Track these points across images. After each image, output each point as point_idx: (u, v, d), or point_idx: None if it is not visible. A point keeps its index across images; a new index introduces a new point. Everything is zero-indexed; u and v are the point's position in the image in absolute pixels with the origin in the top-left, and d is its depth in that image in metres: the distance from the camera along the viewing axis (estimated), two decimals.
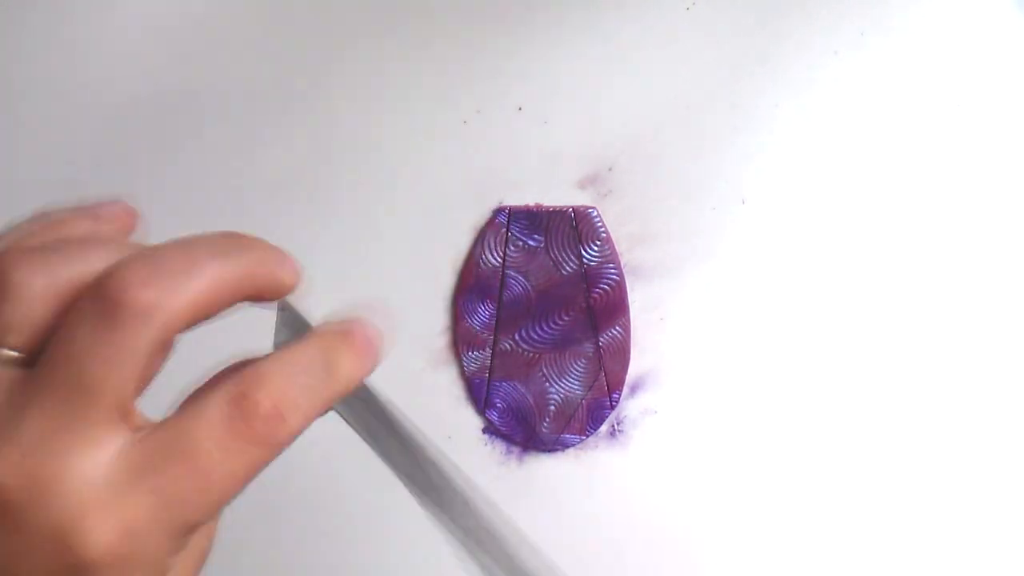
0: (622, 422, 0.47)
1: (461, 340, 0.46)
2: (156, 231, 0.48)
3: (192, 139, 0.46)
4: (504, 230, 0.46)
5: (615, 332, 0.47)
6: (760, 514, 0.47)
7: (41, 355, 0.25)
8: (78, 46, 0.46)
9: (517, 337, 0.47)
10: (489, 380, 0.47)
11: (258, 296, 0.29)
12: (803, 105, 0.47)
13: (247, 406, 0.25)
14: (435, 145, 0.46)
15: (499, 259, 0.47)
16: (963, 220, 0.47)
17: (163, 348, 0.26)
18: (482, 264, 0.47)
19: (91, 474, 0.25)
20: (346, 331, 0.29)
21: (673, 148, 0.47)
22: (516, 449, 0.47)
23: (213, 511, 0.26)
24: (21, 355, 0.26)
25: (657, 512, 0.47)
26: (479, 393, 0.46)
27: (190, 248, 0.27)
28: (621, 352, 0.47)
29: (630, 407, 0.47)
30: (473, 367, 0.47)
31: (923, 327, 0.47)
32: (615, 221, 0.47)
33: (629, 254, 0.47)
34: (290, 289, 0.30)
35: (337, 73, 0.46)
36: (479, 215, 0.47)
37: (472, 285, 0.46)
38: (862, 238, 0.47)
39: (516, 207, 0.47)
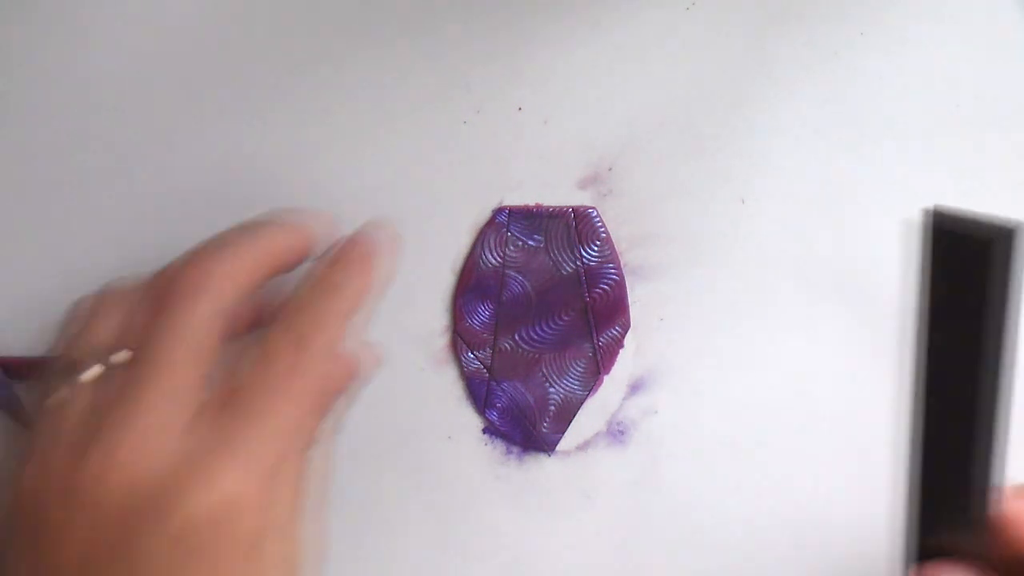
0: (622, 422, 0.47)
1: (461, 340, 0.46)
2: (154, 231, 0.48)
3: (188, 139, 0.46)
4: (504, 230, 0.46)
5: (615, 332, 0.47)
6: (762, 514, 0.47)
7: None
8: (77, 43, 0.46)
9: (517, 337, 0.47)
10: (489, 380, 0.47)
11: (283, 266, 0.35)
12: (803, 105, 0.47)
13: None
14: (435, 145, 0.46)
15: (499, 259, 0.47)
16: None
17: (218, 322, 0.31)
18: (482, 264, 0.47)
19: (171, 447, 0.28)
20: (344, 255, 0.35)
21: (673, 148, 0.47)
22: (516, 449, 0.47)
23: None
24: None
25: (658, 512, 0.47)
26: (479, 393, 0.46)
27: (220, 238, 0.34)
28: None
29: (630, 407, 0.47)
30: (473, 367, 0.47)
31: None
32: (615, 221, 0.47)
33: (629, 254, 0.47)
34: (306, 256, 0.37)
35: (335, 73, 0.46)
36: (479, 215, 0.47)
37: (472, 285, 0.46)
38: (862, 238, 0.47)
39: (516, 207, 0.47)
